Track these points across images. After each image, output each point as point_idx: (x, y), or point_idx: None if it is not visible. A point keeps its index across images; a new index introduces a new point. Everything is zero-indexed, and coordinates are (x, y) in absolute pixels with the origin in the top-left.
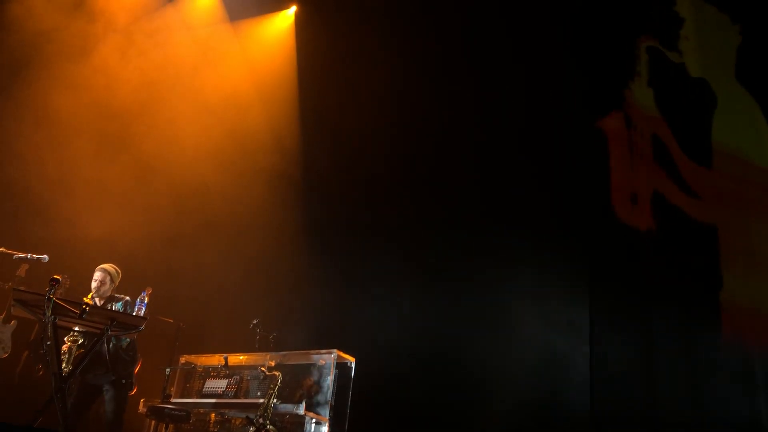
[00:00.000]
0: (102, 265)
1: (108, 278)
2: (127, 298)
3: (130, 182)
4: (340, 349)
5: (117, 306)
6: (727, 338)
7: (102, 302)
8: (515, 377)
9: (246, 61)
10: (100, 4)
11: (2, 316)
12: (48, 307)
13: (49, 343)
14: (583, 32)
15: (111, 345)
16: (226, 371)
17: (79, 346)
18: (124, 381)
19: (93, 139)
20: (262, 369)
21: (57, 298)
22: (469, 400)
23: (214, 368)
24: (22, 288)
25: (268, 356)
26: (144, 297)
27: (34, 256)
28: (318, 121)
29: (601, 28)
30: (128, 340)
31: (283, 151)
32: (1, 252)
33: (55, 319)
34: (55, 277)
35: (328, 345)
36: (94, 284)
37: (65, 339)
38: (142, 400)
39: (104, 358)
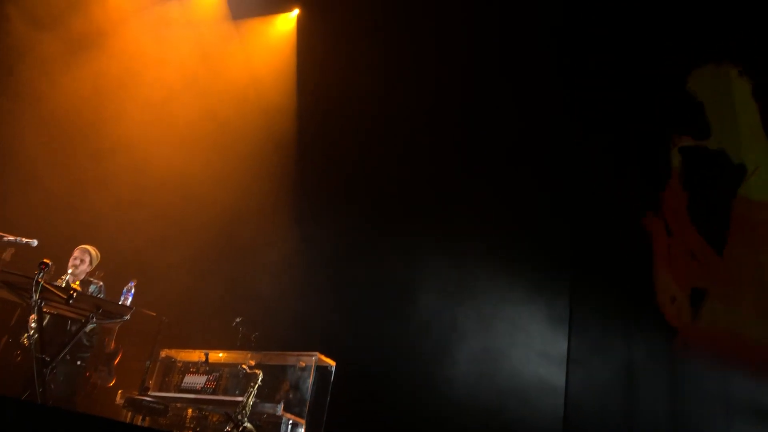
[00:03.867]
0: (84, 245)
1: (88, 259)
2: (101, 283)
3: (120, 176)
4: (320, 351)
5: (92, 289)
6: (706, 360)
7: (76, 282)
8: (488, 391)
9: (245, 60)
10: None
11: None
12: (36, 290)
13: (34, 325)
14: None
15: (73, 328)
16: (206, 367)
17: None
18: (78, 363)
19: (84, 132)
20: (243, 366)
21: (45, 282)
22: (443, 409)
23: (194, 364)
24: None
25: (249, 355)
26: (131, 287)
27: (23, 239)
28: (314, 119)
29: (636, 126)
30: (93, 325)
31: (276, 147)
32: None
33: (41, 302)
34: (44, 261)
35: (310, 348)
36: (72, 262)
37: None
38: (120, 392)
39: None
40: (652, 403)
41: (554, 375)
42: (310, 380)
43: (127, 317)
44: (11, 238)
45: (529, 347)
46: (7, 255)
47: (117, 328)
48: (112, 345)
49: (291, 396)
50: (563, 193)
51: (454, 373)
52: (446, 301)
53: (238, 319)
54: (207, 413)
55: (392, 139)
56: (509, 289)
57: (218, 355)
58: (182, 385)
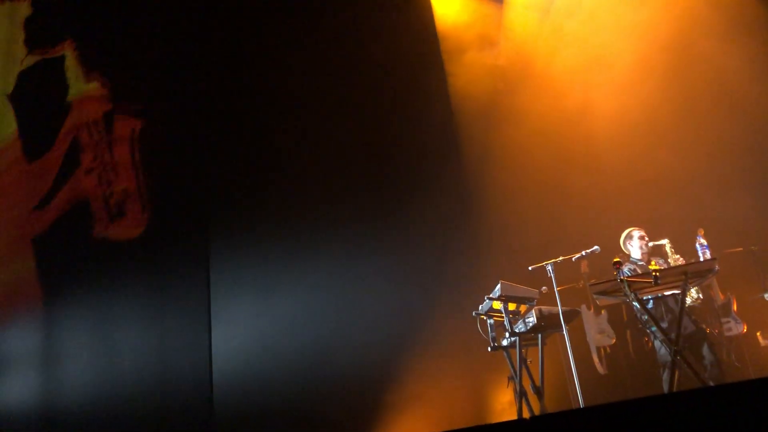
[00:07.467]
0: (636, 229)
1: (645, 235)
2: (665, 240)
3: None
4: None
5: (659, 260)
6: None
7: (651, 263)
8: None
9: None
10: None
11: (592, 311)
12: (624, 286)
13: (644, 316)
14: None
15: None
16: None
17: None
18: (696, 326)
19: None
20: None
21: (628, 277)
22: None
23: None
24: (593, 281)
25: None
26: (699, 239)
27: (587, 250)
28: None
29: None
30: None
31: None
32: (561, 260)
33: (635, 293)
34: (615, 260)
35: None
36: (644, 247)
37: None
38: (758, 333)
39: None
40: None
41: None
42: None
43: (717, 268)
44: (577, 255)
45: None
46: (584, 268)
47: (714, 279)
48: (721, 296)
49: None
50: None
51: None
52: None
53: None
54: None
55: None
56: None
57: None
58: None
